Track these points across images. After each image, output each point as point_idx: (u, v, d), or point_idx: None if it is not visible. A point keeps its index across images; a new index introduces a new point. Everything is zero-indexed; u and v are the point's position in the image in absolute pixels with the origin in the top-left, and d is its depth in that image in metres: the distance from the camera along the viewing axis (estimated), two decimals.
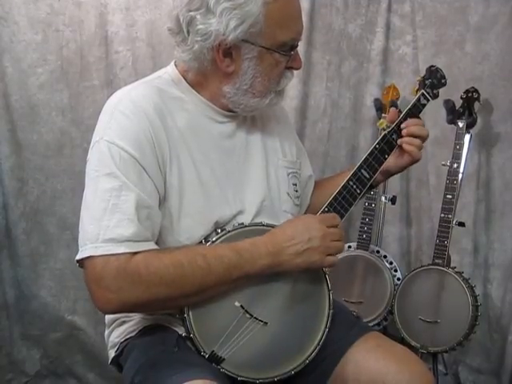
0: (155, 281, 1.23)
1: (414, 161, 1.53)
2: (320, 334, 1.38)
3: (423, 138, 1.51)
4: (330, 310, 1.40)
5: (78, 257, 1.25)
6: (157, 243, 1.30)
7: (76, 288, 2.77)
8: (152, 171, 1.28)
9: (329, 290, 1.41)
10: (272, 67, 1.37)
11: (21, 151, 2.73)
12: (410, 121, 1.51)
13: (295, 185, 1.55)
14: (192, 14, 1.31)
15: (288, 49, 1.37)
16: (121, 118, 1.30)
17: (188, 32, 1.33)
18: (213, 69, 1.36)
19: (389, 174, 1.58)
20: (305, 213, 1.64)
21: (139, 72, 2.69)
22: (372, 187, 1.59)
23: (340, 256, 1.41)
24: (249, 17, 1.29)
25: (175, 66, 1.45)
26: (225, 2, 1.28)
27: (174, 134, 1.34)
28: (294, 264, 1.32)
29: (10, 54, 2.65)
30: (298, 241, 1.31)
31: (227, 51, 1.33)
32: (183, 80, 1.42)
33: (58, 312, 2.82)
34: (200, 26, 1.30)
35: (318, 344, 1.37)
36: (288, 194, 1.51)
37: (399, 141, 1.50)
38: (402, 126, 1.50)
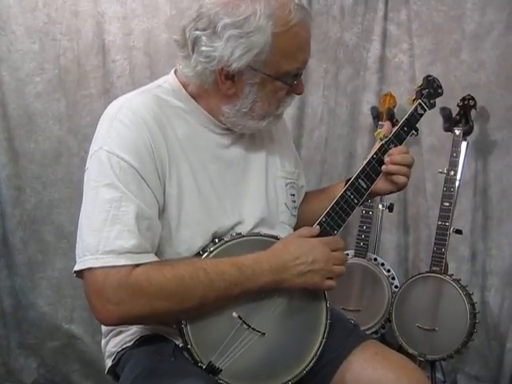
0: (156, 294, 1.22)
1: (401, 188, 1.53)
2: (317, 344, 1.38)
3: (408, 166, 1.50)
4: (327, 320, 1.40)
5: (77, 268, 1.24)
6: (156, 254, 1.29)
7: (73, 297, 2.77)
8: (152, 181, 1.28)
9: (326, 300, 1.41)
10: (273, 93, 1.36)
11: (18, 160, 2.73)
12: (393, 150, 1.49)
13: (293, 195, 1.54)
14: (198, 33, 1.29)
15: (291, 77, 1.36)
16: (120, 127, 1.29)
17: (193, 50, 1.32)
18: (214, 89, 1.36)
19: (376, 194, 1.59)
20: (296, 223, 1.61)
21: (136, 81, 2.70)
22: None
23: None
24: (255, 47, 1.27)
25: (175, 75, 1.44)
26: (232, 29, 1.26)
27: (174, 144, 1.33)
28: (294, 283, 1.32)
29: (8, 62, 2.66)
30: (302, 261, 1.31)
31: (229, 75, 1.32)
32: (183, 90, 1.41)
33: (56, 321, 2.82)
34: (204, 48, 1.29)
35: (316, 354, 1.37)
36: (286, 204, 1.51)
37: (383, 168, 1.48)
38: (386, 158, 1.48)
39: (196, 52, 1.31)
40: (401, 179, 1.50)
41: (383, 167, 1.48)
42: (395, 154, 1.49)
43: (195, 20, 1.30)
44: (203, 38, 1.29)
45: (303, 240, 1.36)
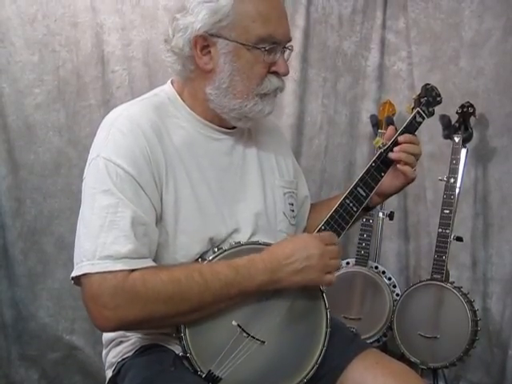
0: (153, 298, 1.22)
1: (409, 181, 1.53)
2: (318, 352, 1.37)
3: (416, 156, 1.51)
4: (327, 328, 1.39)
5: (74, 274, 1.25)
6: (153, 261, 1.30)
7: (74, 308, 2.76)
8: (148, 188, 1.29)
9: (326, 309, 1.40)
10: (251, 65, 1.36)
11: (18, 171, 2.73)
12: (405, 136, 1.51)
13: (291, 204, 1.55)
14: (175, 15, 1.37)
15: (266, 45, 1.35)
16: (118, 135, 1.30)
17: (173, 34, 1.38)
18: (195, 70, 1.38)
19: (385, 195, 1.59)
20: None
21: (135, 91, 2.70)
22: (369, 209, 1.59)
23: (338, 272, 1.41)
24: (220, 8, 1.32)
25: (172, 84, 1.46)
26: None
27: (171, 152, 1.35)
28: (292, 281, 1.32)
29: (7, 74, 2.67)
30: (297, 258, 1.31)
31: (205, 48, 1.35)
32: (179, 98, 1.43)
33: (56, 332, 2.81)
34: (179, 23, 1.35)
35: (316, 363, 1.36)
36: (284, 213, 1.51)
37: (393, 155, 1.49)
38: (400, 139, 1.50)
39: (175, 32, 1.37)
40: (406, 169, 1.49)
41: (392, 155, 1.49)
42: (405, 140, 1.50)
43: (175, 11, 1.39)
44: (178, 16, 1.36)
45: (297, 238, 1.38)
